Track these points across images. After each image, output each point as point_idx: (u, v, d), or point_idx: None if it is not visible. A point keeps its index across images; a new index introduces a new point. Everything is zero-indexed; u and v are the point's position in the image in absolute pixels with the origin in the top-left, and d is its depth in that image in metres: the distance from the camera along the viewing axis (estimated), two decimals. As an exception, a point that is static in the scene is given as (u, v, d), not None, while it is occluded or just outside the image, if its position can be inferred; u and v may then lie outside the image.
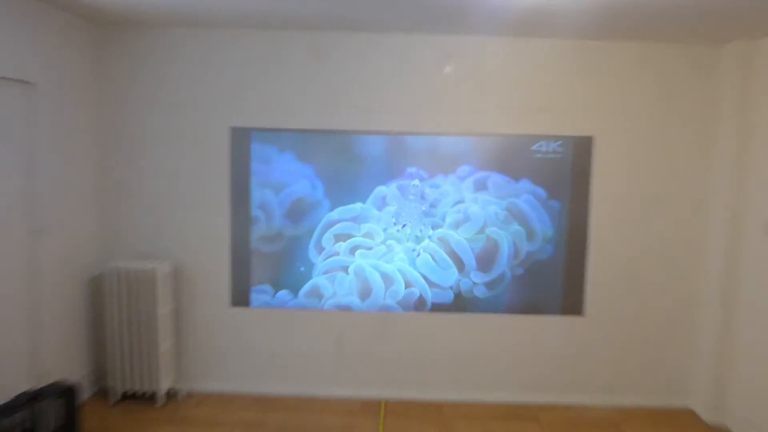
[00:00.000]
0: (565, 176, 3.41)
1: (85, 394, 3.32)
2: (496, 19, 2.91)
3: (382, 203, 3.43)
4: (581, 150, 3.40)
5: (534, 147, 3.39)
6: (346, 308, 3.52)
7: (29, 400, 2.56)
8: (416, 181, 3.38)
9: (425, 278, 3.47)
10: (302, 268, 3.50)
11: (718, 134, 3.38)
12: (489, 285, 3.47)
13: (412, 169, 3.39)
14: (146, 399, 3.44)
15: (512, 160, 3.40)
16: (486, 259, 3.45)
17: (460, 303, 3.49)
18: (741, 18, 2.77)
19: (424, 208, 3.40)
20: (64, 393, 2.73)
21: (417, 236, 3.44)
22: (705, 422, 3.43)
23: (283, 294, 3.51)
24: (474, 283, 3.47)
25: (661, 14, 2.71)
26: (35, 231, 2.94)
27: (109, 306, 3.28)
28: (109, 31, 3.38)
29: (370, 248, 3.44)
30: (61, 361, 3.18)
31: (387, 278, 3.47)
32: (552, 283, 3.49)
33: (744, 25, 2.91)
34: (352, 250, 3.46)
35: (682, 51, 3.35)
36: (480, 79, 3.38)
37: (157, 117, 3.43)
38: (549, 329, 3.55)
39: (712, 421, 3.42)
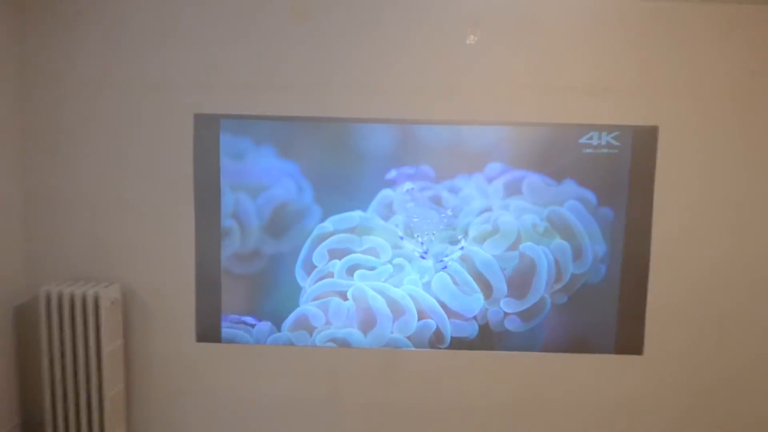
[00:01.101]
0: (622, 177, 2.84)
1: (10, 454, 2.85)
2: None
3: (388, 212, 2.86)
4: (643, 143, 2.83)
5: (582, 140, 2.81)
6: (343, 344, 2.95)
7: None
8: (408, 184, 2.83)
9: (443, 306, 2.89)
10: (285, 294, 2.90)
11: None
12: (523, 315, 2.90)
13: (410, 171, 2.82)
14: (89, 459, 2.89)
15: (554, 156, 2.83)
16: (520, 283, 2.88)
17: (487, 338, 2.91)
18: None
19: (449, 212, 2.84)
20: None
21: (433, 254, 2.86)
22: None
23: (263, 326, 2.95)
24: (505, 313, 2.89)
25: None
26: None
27: (41, 342, 2.78)
28: (35, -10, 2.75)
29: (373, 268, 2.88)
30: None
31: (395, 306, 2.89)
32: (603, 313, 2.91)
33: None
34: (351, 270, 2.89)
35: (778, 14, 2.71)
36: (514, 52, 2.80)
37: (98, 104, 2.85)
38: (599, 371, 2.99)
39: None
